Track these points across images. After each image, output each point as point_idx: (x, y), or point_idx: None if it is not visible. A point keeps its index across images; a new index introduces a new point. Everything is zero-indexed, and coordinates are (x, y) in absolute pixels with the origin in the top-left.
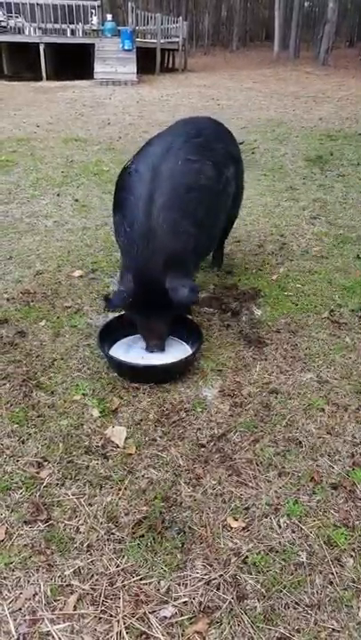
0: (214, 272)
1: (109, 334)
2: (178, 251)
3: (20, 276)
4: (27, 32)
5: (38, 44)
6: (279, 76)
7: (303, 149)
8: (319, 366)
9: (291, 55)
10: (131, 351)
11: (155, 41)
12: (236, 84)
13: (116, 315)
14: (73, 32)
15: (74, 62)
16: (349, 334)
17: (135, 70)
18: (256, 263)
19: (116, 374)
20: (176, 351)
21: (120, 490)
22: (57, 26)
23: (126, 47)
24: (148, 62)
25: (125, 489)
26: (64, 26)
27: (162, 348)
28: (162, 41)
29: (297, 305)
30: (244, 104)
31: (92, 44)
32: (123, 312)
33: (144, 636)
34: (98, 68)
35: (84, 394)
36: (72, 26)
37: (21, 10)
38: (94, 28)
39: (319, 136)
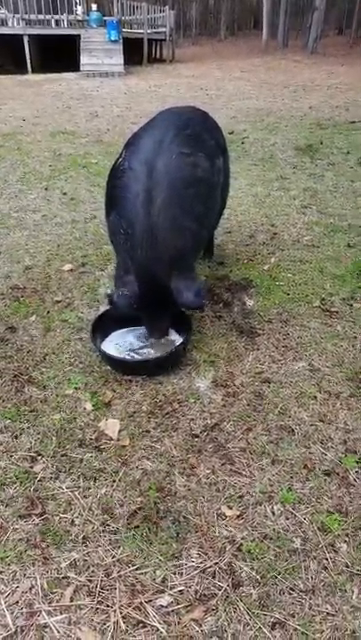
0: (205, 263)
1: (101, 328)
2: (180, 248)
3: (9, 272)
4: (10, 24)
5: (22, 35)
6: (268, 66)
7: (293, 138)
8: (311, 355)
9: (280, 44)
10: (123, 344)
11: (141, 31)
12: (225, 74)
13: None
14: (58, 23)
15: (60, 54)
16: (341, 323)
17: (122, 61)
18: (247, 253)
19: (108, 367)
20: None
21: (114, 482)
22: (41, 17)
23: (112, 38)
24: (135, 53)
25: (120, 480)
26: (48, 16)
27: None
28: (149, 31)
29: (288, 294)
30: (234, 94)
31: (78, 35)
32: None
33: (141, 624)
34: (84, 59)
35: (76, 388)
36: (56, 16)
37: (3, 1)
38: (79, 18)
39: (309, 125)
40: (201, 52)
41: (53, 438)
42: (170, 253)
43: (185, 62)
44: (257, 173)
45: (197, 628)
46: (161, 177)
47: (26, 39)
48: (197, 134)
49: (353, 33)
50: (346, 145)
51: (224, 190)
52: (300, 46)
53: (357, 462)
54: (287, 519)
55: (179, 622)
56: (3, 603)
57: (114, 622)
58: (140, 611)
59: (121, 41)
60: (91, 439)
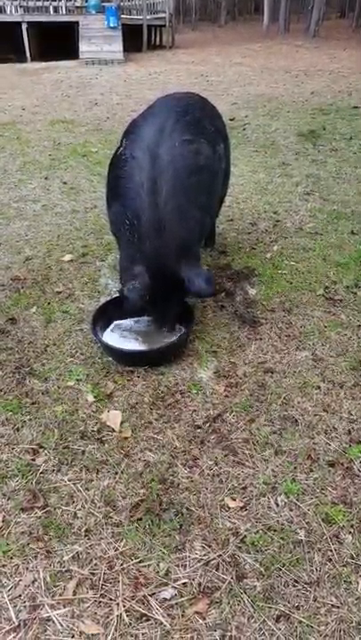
0: (207, 252)
1: (102, 319)
2: (187, 237)
3: (9, 263)
4: (7, 11)
5: (21, 23)
6: (269, 51)
7: (295, 124)
8: (314, 344)
9: (281, 28)
10: (124, 335)
11: (141, 17)
12: (226, 60)
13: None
14: (56, 9)
15: (59, 41)
16: (345, 311)
17: (121, 48)
18: (250, 242)
19: (110, 359)
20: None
21: (117, 474)
22: (39, 3)
23: (111, 24)
24: (135, 40)
25: (122, 472)
26: (46, 3)
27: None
28: (148, 17)
29: (291, 283)
30: (234, 80)
31: (77, 22)
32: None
33: (144, 618)
34: (83, 47)
35: (77, 379)
36: (55, 3)
37: None
38: (77, 4)
39: (311, 110)
40: (201, 37)
41: (55, 430)
42: (177, 243)
43: (185, 48)
44: (259, 160)
45: (201, 621)
46: (165, 165)
47: (24, 26)
48: (198, 121)
49: (356, 16)
50: (349, 130)
51: (225, 177)
52: (301, 30)
53: None
54: (291, 510)
55: (182, 615)
56: (6, 596)
57: (117, 616)
58: (143, 604)
59: (120, 27)
60: (93, 431)
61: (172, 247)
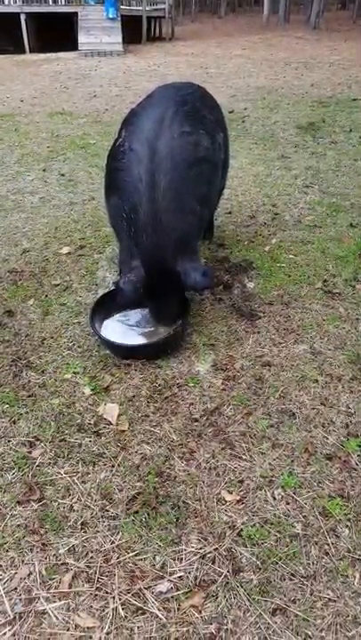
0: (205, 245)
1: (100, 312)
2: (185, 231)
3: (6, 255)
4: (6, 1)
5: (19, 14)
6: (269, 42)
7: (294, 117)
8: (313, 337)
9: (281, 20)
10: (122, 328)
11: (140, 8)
12: (225, 52)
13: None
14: (55, 0)
15: (58, 33)
16: (343, 304)
17: (121, 40)
18: (248, 235)
19: (107, 351)
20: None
21: (113, 466)
22: None
23: (110, 16)
24: (134, 31)
25: (119, 465)
26: None
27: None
28: (147, 8)
29: (290, 276)
30: (234, 72)
31: (76, 13)
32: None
33: (140, 611)
34: (82, 38)
35: (74, 372)
36: None
37: None
38: None
39: (311, 103)
40: (201, 29)
41: (52, 423)
42: (175, 237)
43: (185, 40)
44: (258, 152)
45: (197, 615)
46: (164, 158)
47: (23, 17)
48: (197, 111)
49: (356, 7)
50: (348, 123)
51: (224, 169)
52: (302, 22)
53: (360, 446)
54: (288, 504)
55: (178, 608)
56: (1, 589)
57: (113, 609)
58: (139, 597)
59: (119, 19)
60: (89, 424)
61: (170, 240)
